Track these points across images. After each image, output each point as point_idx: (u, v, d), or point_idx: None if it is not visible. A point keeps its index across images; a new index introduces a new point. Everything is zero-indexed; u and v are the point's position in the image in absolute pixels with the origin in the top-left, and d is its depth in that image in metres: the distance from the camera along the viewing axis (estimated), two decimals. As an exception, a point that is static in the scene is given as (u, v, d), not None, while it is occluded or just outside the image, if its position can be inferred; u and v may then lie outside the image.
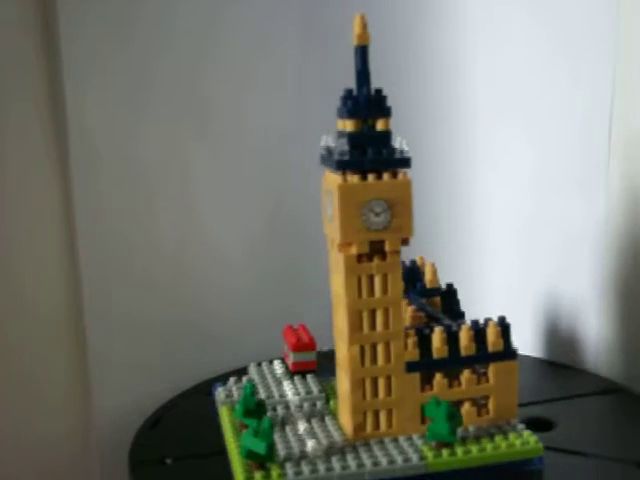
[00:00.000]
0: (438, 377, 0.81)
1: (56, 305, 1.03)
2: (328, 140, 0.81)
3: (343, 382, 0.81)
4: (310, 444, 0.77)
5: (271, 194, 1.13)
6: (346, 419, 0.81)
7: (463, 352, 0.81)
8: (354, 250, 0.77)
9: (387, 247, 0.78)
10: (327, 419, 0.84)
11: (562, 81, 1.01)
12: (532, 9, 1.01)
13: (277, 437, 0.79)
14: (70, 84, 0.98)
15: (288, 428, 0.82)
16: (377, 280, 0.78)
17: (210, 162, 1.09)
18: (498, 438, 0.79)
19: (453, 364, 0.81)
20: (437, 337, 0.81)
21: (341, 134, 0.77)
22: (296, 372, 0.94)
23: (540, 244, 1.07)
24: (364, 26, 0.77)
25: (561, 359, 1.08)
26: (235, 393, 0.91)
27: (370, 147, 0.76)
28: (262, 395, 0.88)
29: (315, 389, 0.90)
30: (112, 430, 1.03)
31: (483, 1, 1.07)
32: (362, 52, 0.77)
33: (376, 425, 0.80)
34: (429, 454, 0.76)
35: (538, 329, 1.10)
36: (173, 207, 1.08)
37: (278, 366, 0.98)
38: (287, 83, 1.11)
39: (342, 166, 0.76)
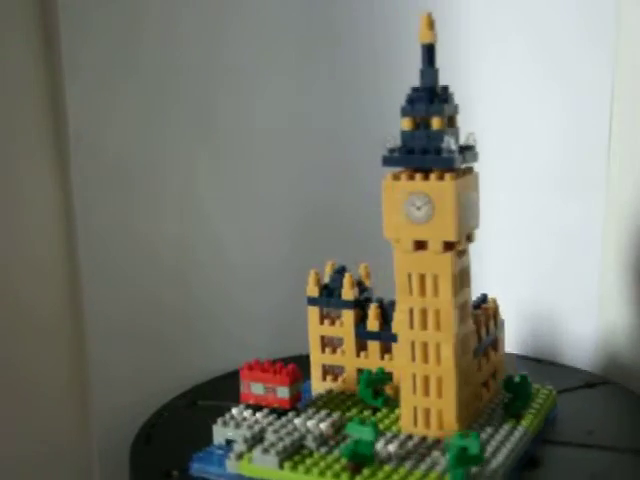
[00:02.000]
0: (483, 358, 0.87)
1: (56, 305, 1.02)
2: (391, 140, 0.78)
3: (448, 383, 0.79)
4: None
5: (274, 194, 1.13)
6: (451, 419, 0.79)
7: (490, 332, 0.89)
8: (460, 247, 0.78)
9: (472, 239, 0.80)
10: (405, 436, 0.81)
11: (563, 82, 1.03)
12: (533, 13, 1.04)
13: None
14: (71, 86, 0.95)
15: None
16: (464, 275, 0.80)
17: (213, 165, 1.09)
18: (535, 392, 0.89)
19: (487, 344, 0.88)
20: (480, 320, 0.86)
21: (451, 132, 0.76)
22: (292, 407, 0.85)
23: (539, 245, 1.09)
24: (430, 25, 0.77)
25: (559, 358, 1.10)
26: (281, 446, 0.77)
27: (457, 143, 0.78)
28: (288, 441, 0.79)
29: (334, 414, 0.84)
30: (112, 430, 1.00)
31: (485, 6, 1.07)
32: (428, 51, 0.78)
33: (467, 414, 0.82)
34: (524, 423, 0.83)
35: (532, 329, 1.12)
36: (176, 209, 1.07)
37: (248, 412, 0.85)
38: (290, 83, 1.11)
39: (456, 163, 0.76)
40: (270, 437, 0.79)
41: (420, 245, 0.78)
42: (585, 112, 1.02)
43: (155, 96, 1.02)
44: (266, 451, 0.77)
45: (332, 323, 0.93)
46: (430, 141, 0.76)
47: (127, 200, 1.02)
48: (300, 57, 1.11)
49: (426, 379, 0.80)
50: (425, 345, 0.80)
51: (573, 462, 0.81)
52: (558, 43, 1.03)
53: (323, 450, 0.78)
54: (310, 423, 0.82)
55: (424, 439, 0.79)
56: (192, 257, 1.08)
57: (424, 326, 0.79)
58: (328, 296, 0.92)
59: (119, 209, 1.01)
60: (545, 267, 1.09)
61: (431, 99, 0.77)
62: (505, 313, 0.91)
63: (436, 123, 0.77)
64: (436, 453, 0.76)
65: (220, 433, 0.83)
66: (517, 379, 0.85)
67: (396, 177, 0.78)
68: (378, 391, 0.87)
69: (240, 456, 0.78)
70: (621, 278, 1.01)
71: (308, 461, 0.76)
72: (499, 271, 1.09)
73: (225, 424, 0.83)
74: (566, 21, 1.02)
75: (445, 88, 0.78)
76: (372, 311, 0.91)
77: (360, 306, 0.92)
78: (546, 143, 1.06)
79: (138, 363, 1.04)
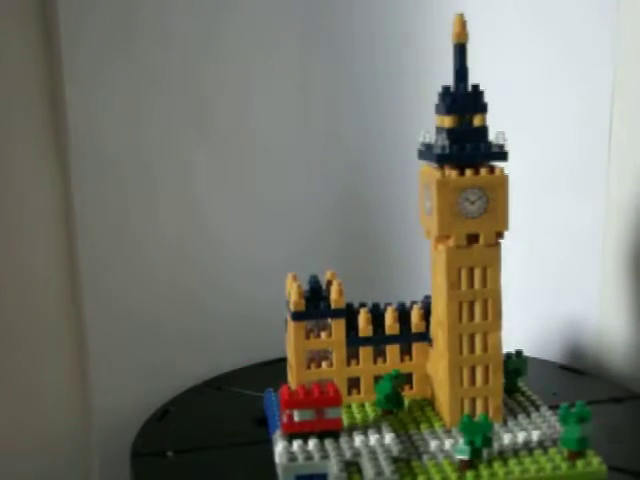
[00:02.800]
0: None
1: (56, 305, 1.01)
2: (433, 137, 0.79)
3: (495, 368, 0.82)
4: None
5: (274, 194, 1.12)
6: (498, 401, 0.83)
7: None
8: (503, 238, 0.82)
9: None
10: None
11: (563, 81, 1.02)
12: (533, 11, 1.01)
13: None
14: (71, 86, 0.95)
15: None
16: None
17: (212, 162, 1.08)
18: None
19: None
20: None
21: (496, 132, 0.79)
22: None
23: (538, 245, 1.08)
24: (463, 25, 0.80)
25: (558, 359, 1.08)
26: (386, 464, 0.73)
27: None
28: (384, 458, 0.75)
29: (385, 425, 0.82)
30: (112, 430, 1.01)
31: (484, 5, 1.02)
32: (461, 50, 0.80)
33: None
34: (530, 393, 0.90)
35: (534, 330, 1.09)
36: (175, 208, 1.07)
37: (298, 442, 0.78)
38: (289, 82, 1.09)
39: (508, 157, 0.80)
40: (365, 459, 0.74)
41: (471, 239, 0.80)
42: (585, 112, 1.03)
43: (156, 96, 1.01)
44: (379, 474, 0.72)
45: (317, 336, 0.89)
46: (478, 137, 0.79)
47: (127, 200, 1.01)
48: (300, 56, 1.06)
49: (472, 369, 0.82)
50: (472, 336, 0.82)
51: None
52: (559, 45, 1.04)
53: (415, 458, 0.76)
54: (375, 437, 0.78)
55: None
56: (192, 257, 1.08)
57: (471, 318, 0.82)
58: (314, 308, 0.88)
59: (119, 209, 1.01)
60: (544, 267, 1.09)
61: (471, 97, 0.79)
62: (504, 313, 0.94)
63: (479, 120, 0.79)
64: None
65: (291, 470, 0.75)
66: (515, 356, 0.91)
67: (444, 174, 0.79)
68: (397, 393, 0.87)
69: (346, 485, 0.72)
70: (621, 277, 1.02)
71: (417, 471, 0.74)
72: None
73: (293, 460, 0.75)
74: (567, 23, 1.02)
75: (476, 86, 0.81)
76: (363, 316, 0.89)
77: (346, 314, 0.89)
78: (546, 143, 1.06)
79: (138, 362, 1.04)
